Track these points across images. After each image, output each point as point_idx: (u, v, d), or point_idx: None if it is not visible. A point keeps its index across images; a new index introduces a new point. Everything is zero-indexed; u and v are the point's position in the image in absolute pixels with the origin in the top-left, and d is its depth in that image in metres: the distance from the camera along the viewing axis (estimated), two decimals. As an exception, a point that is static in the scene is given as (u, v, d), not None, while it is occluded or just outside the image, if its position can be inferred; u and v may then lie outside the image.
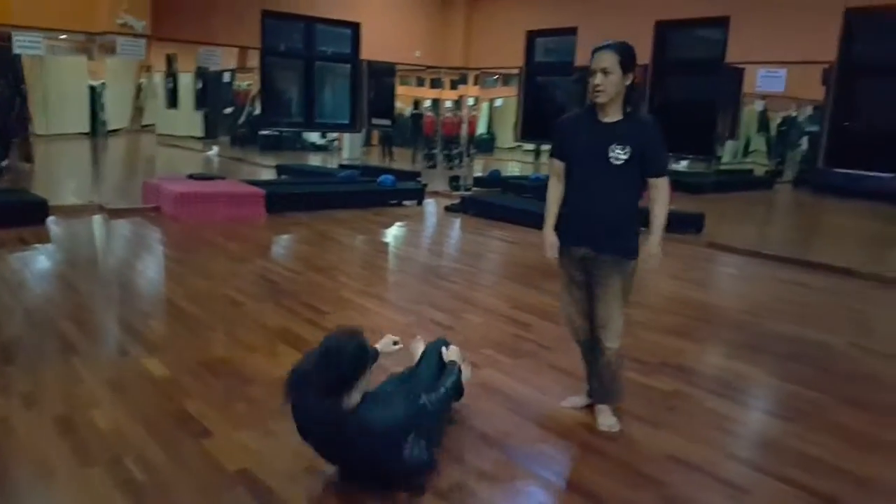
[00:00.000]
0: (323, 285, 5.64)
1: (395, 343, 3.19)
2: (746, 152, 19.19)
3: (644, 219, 3.07)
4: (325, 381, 2.55)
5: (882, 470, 3.01)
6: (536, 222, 8.41)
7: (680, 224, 8.55)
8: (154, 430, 3.03)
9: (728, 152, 11.64)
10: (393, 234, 8.56)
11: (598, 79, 2.97)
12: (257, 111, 11.82)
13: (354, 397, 2.59)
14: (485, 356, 4.11)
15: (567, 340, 3.64)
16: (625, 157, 2.96)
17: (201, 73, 13.20)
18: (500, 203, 9.73)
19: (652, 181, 3.03)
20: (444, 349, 3.35)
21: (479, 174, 12.62)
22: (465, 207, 9.78)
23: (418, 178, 11.80)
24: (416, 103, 16.13)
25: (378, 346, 3.09)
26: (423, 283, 5.93)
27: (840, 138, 7.68)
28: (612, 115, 3.03)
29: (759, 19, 8.10)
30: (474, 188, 11.64)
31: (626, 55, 2.99)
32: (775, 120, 17.51)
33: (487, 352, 4.18)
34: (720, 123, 9.53)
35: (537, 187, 11.08)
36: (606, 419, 3.26)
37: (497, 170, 12.74)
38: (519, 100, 11.72)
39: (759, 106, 16.93)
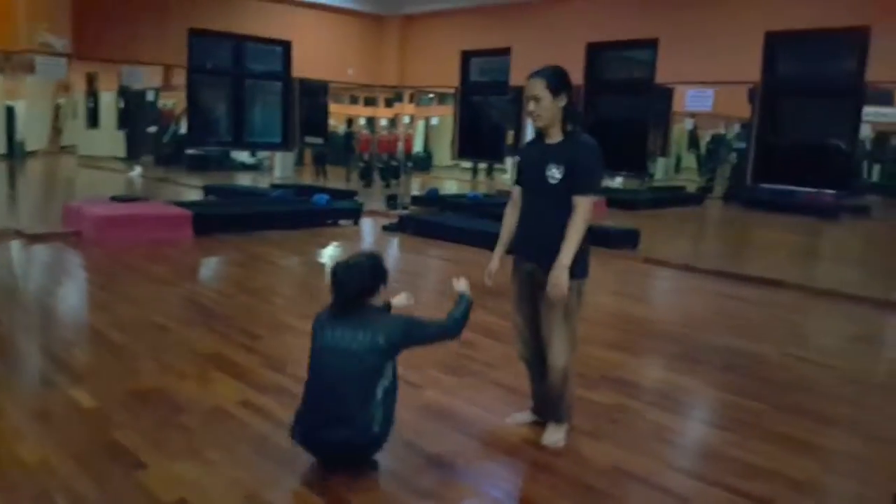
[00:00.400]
0: (256, 308, 5.45)
1: (409, 299, 3.57)
2: (678, 169, 19.80)
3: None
4: (346, 293, 2.97)
5: (818, 474, 3.10)
6: (475, 240, 8.52)
7: (616, 240, 8.71)
8: (84, 464, 2.84)
9: (660, 169, 11.96)
10: (329, 254, 8.39)
11: (532, 106, 3.08)
12: (183, 130, 11.49)
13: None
14: (428, 376, 4.02)
15: (511, 358, 3.62)
16: (559, 175, 3.01)
17: (123, 92, 12.78)
18: (439, 221, 9.68)
19: (574, 199, 2.99)
20: (454, 279, 3.45)
21: (416, 193, 12.59)
22: (404, 226, 9.69)
23: (355, 197, 11.67)
24: (350, 121, 16.01)
25: (392, 300, 3.46)
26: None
27: (766, 155, 7.95)
28: (554, 137, 3.11)
29: (687, 41, 8.36)
30: (412, 207, 11.58)
31: (553, 79, 3.07)
32: (705, 138, 18.17)
33: (431, 372, 4.09)
34: (651, 142, 9.75)
35: (475, 205, 11.14)
36: (551, 435, 3.21)
37: (435, 188, 12.73)
38: (455, 118, 11.75)
39: (688, 124, 17.51)
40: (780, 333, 5.43)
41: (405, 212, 10.95)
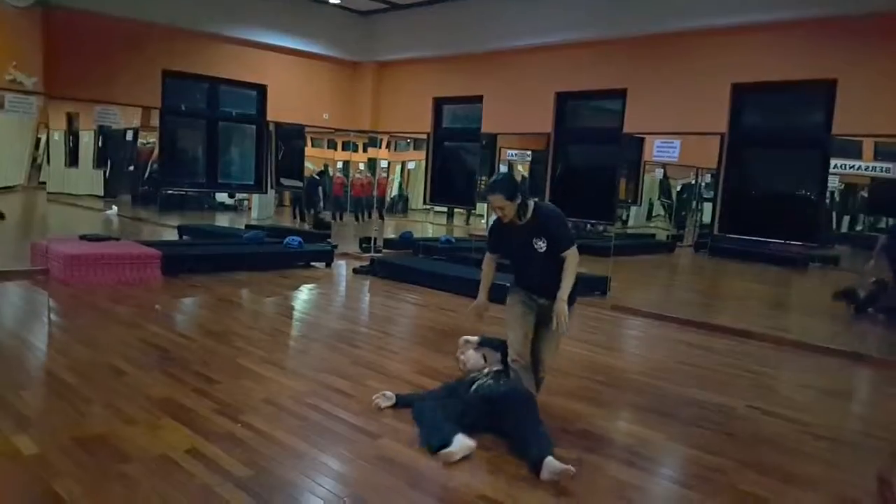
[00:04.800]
0: (217, 352, 5.33)
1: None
2: (649, 217, 20.02)
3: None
4: None
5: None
6: (446, 285, 8.47)
7: (585, 287, 8.71)
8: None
9: (632, 217, 12.02)
10: (298, 297, 8.31)
11: (498, 212, 3.99)
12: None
13: None
14: (385, 425, 3.92)
15: None
16: (545, 245, 4.00)
17: (102, 131, 12.72)
18: (410, 265, 9.64)
19: (563, 254, 3.97)
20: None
21: (391, 235, 12.57)
22: (375, 270, 9.64)
23: (328, 240, 11.62)
24: (326, 167, 16.03)
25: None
26: (328, 349, 5.70)
27: (733, 206, 8.04)
28: (524, 219, 4.02)
29: (655, 92, 8.50)
30: (385, 250, 11.56)
31: (508, 190, 3.93)
32: (676, 187, 18.41)
33: (389, 421, 4.00)
34: (620, 190, 9.85)
35: (447, 249, 11.13)
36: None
37: (409, 231, 12.71)
38: (427, 164, 11.81)
39: (659, 174, 17.78)
40: (747, 385, 5.39)
41: (378, 255, 10.92)
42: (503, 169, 11.30)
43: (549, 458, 3.27)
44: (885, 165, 13.22)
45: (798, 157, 7.81)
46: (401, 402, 4.17)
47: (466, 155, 11.44)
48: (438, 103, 11.39)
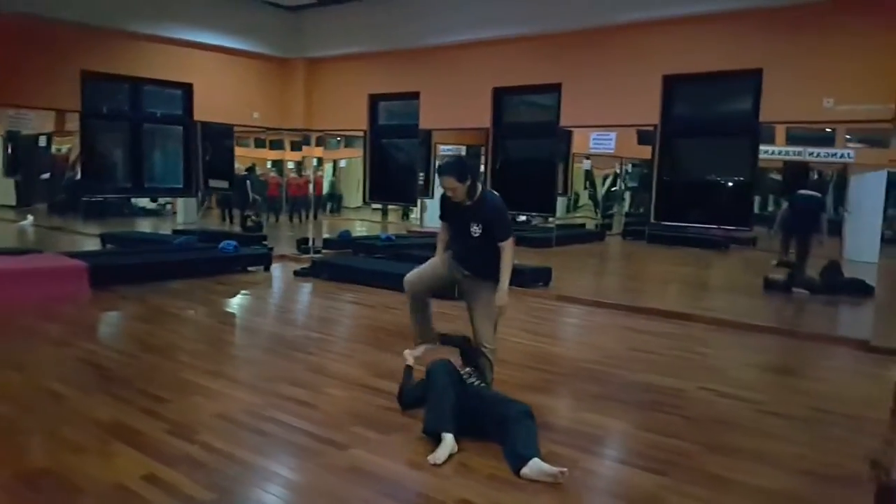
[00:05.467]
0: (161, 368, 5.09)
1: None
2: (576, 207, 20.50)
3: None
4: None
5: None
6: (390, 283, 8.39)
7: (530, 278, 8.79)
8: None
9: (560, 208, 12.25)
10: (239, 304, 8.06)
11: (450, 193, 4.22)
12: (79, 176, 10.88)
13: None
14: (353, 435, 3.81)
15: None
16: (480, 231, 4.25)
17: (11, 137, 12.01)
18: (352, 265, 9.50)
19: (499, 244, 4.24)
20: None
21: (327, 235, 12.36)
22: (316, 271, 9.45)
23: (264, 242, 11.34)
24: (253, 166, 15.62)
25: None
26: (278, 356, 5.53)
27: (668, 194, 8.22)
28: (467, 200, 4.28)
29: (589, 86, 8.61)
30: (324, 250, 11.36)
31: (459, 172, 4.18)
32: (600, 177, 18.90)
33: (356, 429, 3.89)
34: (558, 182, 9.95)
35: (388, 247, 11.02)
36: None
37: (347, 230, 12.54)
38: (364, 162, 11.65)
39: (586, 165, 18.17)
40: (695, 367, 5.53)
41: (318, 255, 10.72)
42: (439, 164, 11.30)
43: (538, 459, 3.27)
44: (796, 149, 13.87)
45: (728, 144, 8.05)
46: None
47: (405, 152, 11.34)
48: (374, 100, 11.23)
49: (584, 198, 19.95)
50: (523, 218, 13.46)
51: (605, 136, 8.59)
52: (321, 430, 3.87)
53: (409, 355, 4.44)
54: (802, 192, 9.45)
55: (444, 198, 4.45)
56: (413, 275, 4.62)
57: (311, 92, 11.96)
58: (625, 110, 8.30)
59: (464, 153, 12.35)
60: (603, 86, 8.47)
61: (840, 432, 4.17)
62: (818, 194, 9.53)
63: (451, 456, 3.47)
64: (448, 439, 3.51)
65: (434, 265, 4.57)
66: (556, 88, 8.95)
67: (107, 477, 3.24)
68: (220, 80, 11.02)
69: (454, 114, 10.12)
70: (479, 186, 4.29)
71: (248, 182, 14.67)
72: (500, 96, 9.73)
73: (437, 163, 10.79)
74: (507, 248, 4.23)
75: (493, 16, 9.22)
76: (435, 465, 3.39)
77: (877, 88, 6.50)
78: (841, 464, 3.66)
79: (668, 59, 7.92)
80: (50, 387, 4.53)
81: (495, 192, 4.50)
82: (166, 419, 3.99)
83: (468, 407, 3.74)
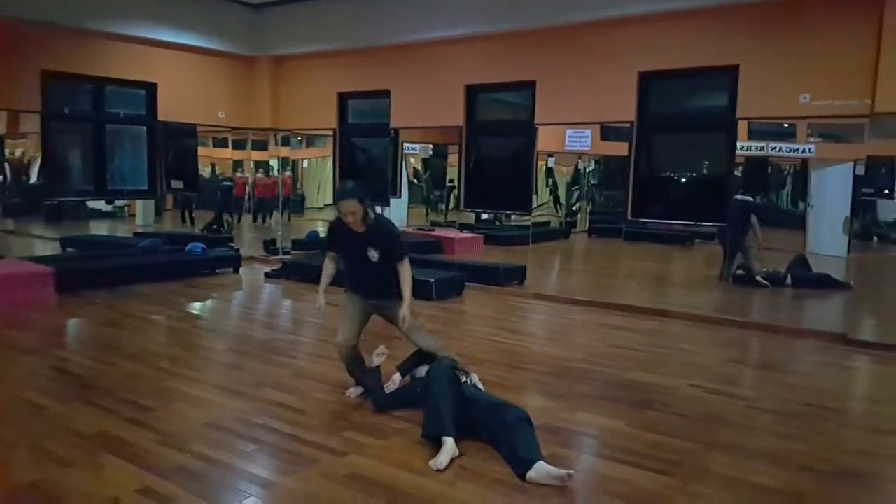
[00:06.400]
0: (141, 375, 4.93)
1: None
2: (537, 205, 20.60)
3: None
4: None
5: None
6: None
7: (505, 276, 8.78)
8: None
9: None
10: (211, 307, 7.88)
11: (350, 217, 4.15)
12: (33, 180, 10.54)
13: None
14: (349, 440, 3.74)
15: None
16: (377, 255, 4.26)
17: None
18: (321, 266, 9.35)
19: (399, 263, 4.29)
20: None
21: (294, 236, 12.17)
22: (287, 273, 9.30)
23: (230, 244, 11.11)
24: (213, 164, 15.24)
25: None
26: (259, 361, 5.40)
27: (644, 191, 8.29)
28: (361, 227, 4.25)
29: (564, 83, 8.64)
30: (293, 251, 11.19)
31: (360, 196, 4.14)
32: (563, 175, 19.01)
33: (350, 434, 3.82)
34: (533, 180, 9.96)
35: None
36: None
37: (315, 231, 12.35)
38: (334, 161, 11.51)
39: (550, 162, 18.27)
40: (680, 364, 5.57)
41: (287, 257, 10.56)
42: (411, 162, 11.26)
43: (543, 462, 3.24)
44: (758, 144, 14.13)
45: (705, 141, 8.15)
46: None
47: (372, 150, 11.24)
48: (343, 98, 11.11)
49: (545, 195, 20.01)
50: (486, 216, 13.46)
51: (580, 134, 8.61)
52: (315, 437, 3.79)
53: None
54: (736, 196, 9.58)
55: (333, 228, 4.42)
56: (341, 336, 4.40)
57: (277, 91, 11.79)
58: (600, 107, 8.35)
59: (431, 152, 12.30)
60: (578, 83, 8.51)
61: (831, 427, 4.22)
62: (749, 198, 9.61)
63: (452, 460, 3.43)
64: (449, 443, 3.46)
65: (348, 313, 4.42)
66: (530, 86, 8.96)
67: (99, 491, 3.11)
68: (184, 79, 10.79)
69: (426, 112, 10.07)
70: (372, 215, 4.24)
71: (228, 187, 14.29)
72: (473, 94, 9.71)
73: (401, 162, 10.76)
74: (406, 266, 4.29)
75: (465, 12, 9.19)
76: (438, 470, 3.34)
77: (853, 84, 6.65)
78: (836, 459, 3.69)
79: (644, 55, 7.99)
80: (27, 398, 4.36)
81: (387, 219, 4.57)
82: (154, 429, 3.87)
83: (464, 410, 3.71)
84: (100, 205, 16.58)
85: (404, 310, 4.25)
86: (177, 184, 12.24)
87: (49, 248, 11.16)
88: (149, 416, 4.08)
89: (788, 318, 7.54)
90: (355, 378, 4.52)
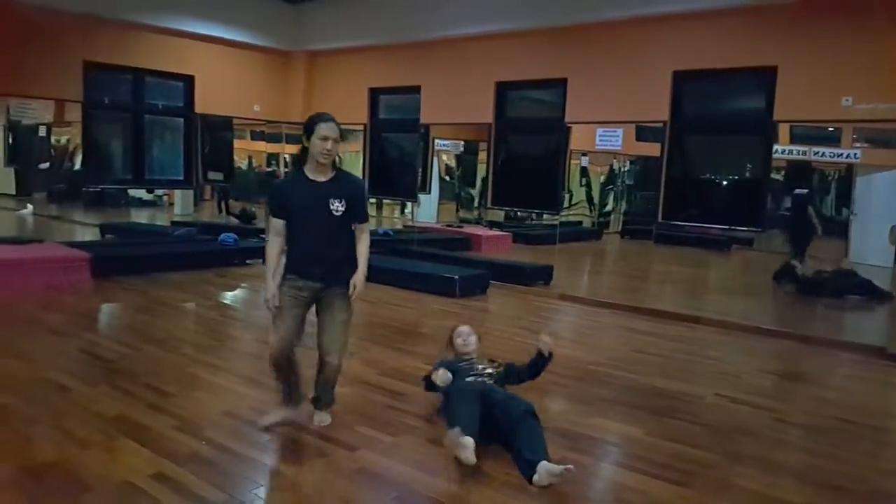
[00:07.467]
0: (164, 361, 5.01)
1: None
2: (571, 204, 20.42)
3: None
4: None
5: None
6: (390, 279, 8.28)
7: (531, 276, 8.72)
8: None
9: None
10: (240, 297, 7.97)
11: (330, 145, 3.48)
12: (77, 167, 10.82)
13: None
14: (361, 436, 3.74)
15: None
16: (342, 208, 3.55)
17: (12, 127, 11.97)
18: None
19: (359, 227, 3.69)
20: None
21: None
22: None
23: (262, 235, 11.23)
24: (250, 157, 15.46)
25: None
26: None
27: (676, 193, 8.15)
28: (327, 175, 3.59)
29: (596, 81, 8.54)
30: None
31: (339, 127, 3.58)
32: (597, 174, 18.77)
33: (363, 430, 3.82)
34: (562, 179, 9.88)
35: (386, 241, 10.92)
36: (325, 418, 3.85)
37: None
38: (364, 156, 11.57)
39: (584, 161, 18.06)
40: (708, 372, 5.45)
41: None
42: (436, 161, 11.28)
43: (545, 462, 3.17)
44: (800, 148, 13.81)
45: (740, 143, 7.99)
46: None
47: (405, 146, 11.26)
48: (374, 94, 11.15)
49: (580, 195, 19.85)
50: (520, 215, 13.37)
51: (611, 133, 8.50)
52: (329, 430, 3.80)
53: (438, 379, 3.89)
54: (795, 191, 9.50)
55: (281, 186, 3.76)
56: (281, 335, 3.62)
57: (311, 85, 11.89)
58: (633, 107, 8.24)
59: (462, 149, 12.27)
60: (610, 81, 8.41)
61: (865, 444, 4.06)
62: (805, 190, 9.54)
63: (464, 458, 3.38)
64: (467, 442, 3.32)
65: (289, 306, 3.63)
66: (561, 83, 8.87)
67: (114, 473, 3.16)
68: (221, 72, 10.95)
69: (456, 108, 10.05)
70: (337, 159, 3.62)
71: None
72: (504, 91, 9.65)
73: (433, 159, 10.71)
74: (367, 232, 3.71)
75: (497, 8, 9.14)
76: (468, 464, 3.22)
77: (898, 86, 6.43)
78: (868, 478, 3.56)
79: (679, 54, 7.86)
80: (54, 378, 4.44)
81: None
82: (172, 414, 3.92)
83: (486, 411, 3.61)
84: (141, 193, 16.96)
85: (358, 277, 3.63)
86: (214, 175, 12.43)
87: (89, 234, 11.43)
88: (169, 401, 4.13)
89: (825, 328, 7.34)
90: (283, 393, 3.74)
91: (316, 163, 3.54)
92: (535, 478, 3.15)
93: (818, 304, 8.43)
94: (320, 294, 3.66)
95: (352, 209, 3.60)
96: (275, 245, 3.63)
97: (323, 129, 3.46)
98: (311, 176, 3.57)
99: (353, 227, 3.67)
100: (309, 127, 3.51)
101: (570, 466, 3.10)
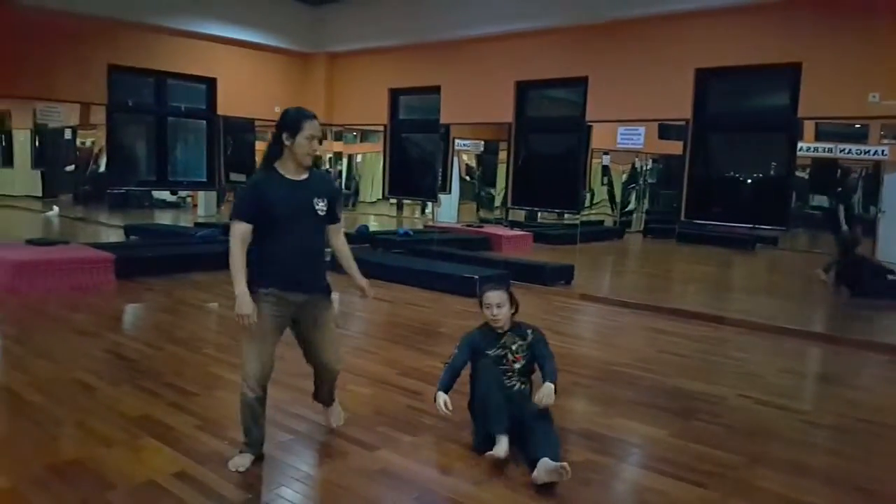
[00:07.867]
0: (187, 361, 5.06)
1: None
2: (592, 204, 20.29)
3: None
4: None
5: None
6: (410, 279, 8.29)
7: (551, 276, 8.68)
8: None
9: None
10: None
11: (316, 144, 3.24)
12: (102, 169, 10.96)
13: None
14: (380, 435, 3.74)
15: (465, 409, 3.61)
16: (325, 208, 3.30)
17: (39, 130, 12.18)
18: (371, 260, 9.40)
19: (336, 227, 3.49)
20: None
21: (345, 230, 12.30)
22: (334, 266, 9.36)
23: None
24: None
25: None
26: (300, 352, 5.45)
27: (700, 191, 8.07)
28: (303, 174, 3.29)
29: (617, 79, 8.48)
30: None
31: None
32: (619, 173, 18.66)
33: (382, 429, 3.82)
34: (583, 178, 9.83)
35: (406, 242, 10.94)
36: (339, 418, 3.81)
37: (365, 224, 12.46)
38: (384, 156, 11.60)
39: (605, 160, 17.99)
40: (731, 373, 5.38)
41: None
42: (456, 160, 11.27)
43: (544, 459, 3.12)
44: (826, 146, 13.58)
45: (765, 141, 7.88)
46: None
47: (425, 146, 11.26)
48: (394, 94, 11.17)
49: (601, 194, 19.68)
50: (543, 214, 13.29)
51: (633, 131, 8.44)
52: (349, 430, 3.80)
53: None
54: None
55: (257, 182, 3.29)
56: (260, 363, 3.33)
57: (331, 86, 11.94)
58: (655, 105, 8.17)
59: (482, 149, 12.24)
60: (631, 79, 8.35)
61: (893, 447, 4.00)
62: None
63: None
64: (503, 441, 3.34)
65: (266, 328, 3.29)
66: (582, 82, 8.82)
67: (137, 472, 3.19)
68: (243, 74, 11.04)
69: (476, 108, 10.04)
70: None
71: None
72: (524, 90, 9.62)
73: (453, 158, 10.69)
74: (342, 233, 3.54)
75: (517, 8, 9.11)
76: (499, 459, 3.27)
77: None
78: (894, 481, 3.50)
79: (701, 52, 7.78)
80: (79, 377, 4.51)
81: None
82: (194, 414, 3.95)
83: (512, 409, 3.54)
84: (165, 195, 17.18)
85: (361, 280, 3.53)
86: (236, 176, 12.53)
87: (114, 236, 11.57)
88: (191, 401, 4.17)
89: (853, 328, 7.21)
90: (251, 437, 3.35)
91: (296, 163, 3.24)
92: (534, 474, 3.11)
93: (844, 304, 8.30)
94: (302, 308, 3.36)
95: (332, 209, 3.36)
96: (239, 250, 3.18)
97: (311, 127, 3.20)
98: (288, 175, 3.25)
99: (327, 228, 3.41)
100: (293, 125, 3.18)
101: (565, 464, 3.06)
